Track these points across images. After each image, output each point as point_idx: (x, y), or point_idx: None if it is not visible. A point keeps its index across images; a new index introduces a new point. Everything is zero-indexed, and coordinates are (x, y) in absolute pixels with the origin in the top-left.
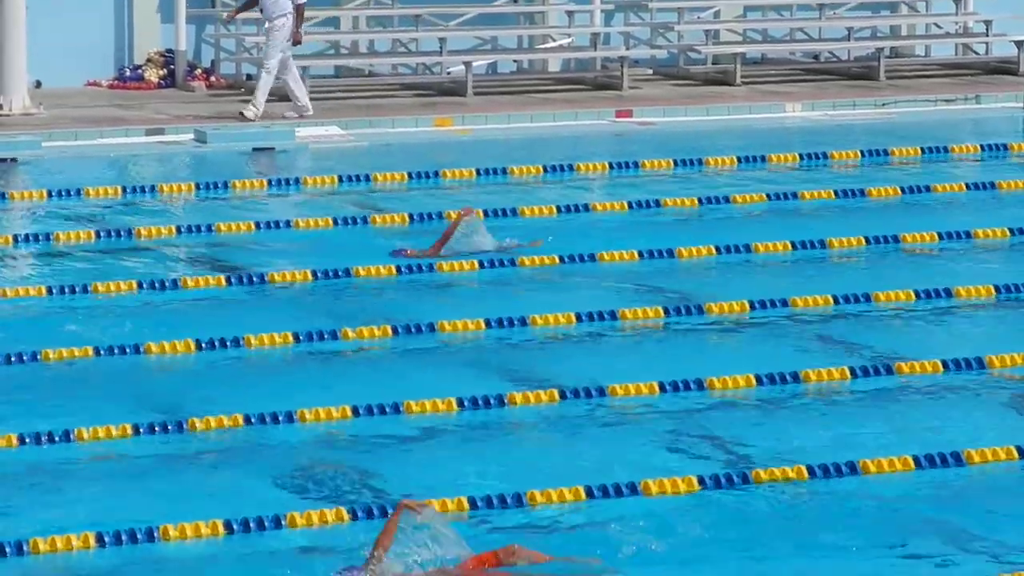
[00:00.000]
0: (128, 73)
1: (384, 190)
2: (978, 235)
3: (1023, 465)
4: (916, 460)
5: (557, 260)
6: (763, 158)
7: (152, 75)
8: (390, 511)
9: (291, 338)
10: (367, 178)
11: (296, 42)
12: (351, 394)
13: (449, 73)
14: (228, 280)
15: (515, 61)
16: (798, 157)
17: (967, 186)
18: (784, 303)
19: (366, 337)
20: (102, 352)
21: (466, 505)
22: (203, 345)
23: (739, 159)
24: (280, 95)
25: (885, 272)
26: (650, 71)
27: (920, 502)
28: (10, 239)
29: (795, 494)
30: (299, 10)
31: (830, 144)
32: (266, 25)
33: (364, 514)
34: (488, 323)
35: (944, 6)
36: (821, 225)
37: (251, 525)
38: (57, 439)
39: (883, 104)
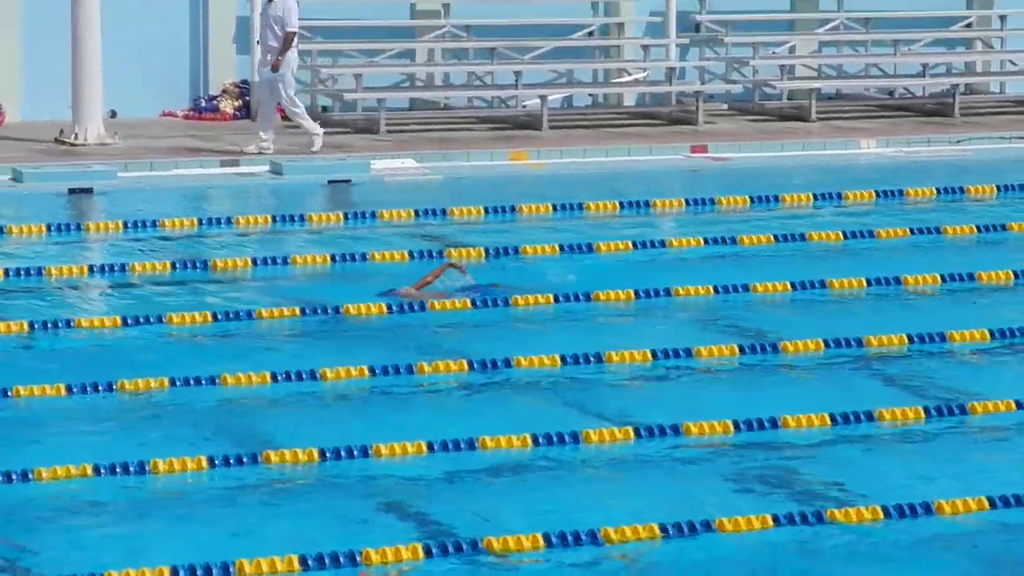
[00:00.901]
0: (203, 104)
1: (459, 224)
2: None
3: None
4: (991, 501)
5: (633, 295)
6: (838, 195)
7: (227, 106)
8: (465, 546)
9: (366, 372)
10: (442, 212)
11: (273, 68)
12: (426, 429)
13: (524, 107)
14: (303, 312)
15: (590, 95)
16: (873, 194)
17: None
18: (859, 341)
19: (441, 371)
20: (178, 383)
21: (541, 542)
22: (278, 377)
23: (814, 196)
24: (291, 126)
25: (960, 310)
26: (725, 106)
27: (995, 543)
28: (86, 269)
29: (869, 534)
30: (287, 37)
31: (905, 181)
32: (268, 59)
33: (439, 550)
34: (563, 359)
35: (1020, 43)
36: (896, 262)
37: (326, 560)
38: (132, 470)
39: (958, 141)
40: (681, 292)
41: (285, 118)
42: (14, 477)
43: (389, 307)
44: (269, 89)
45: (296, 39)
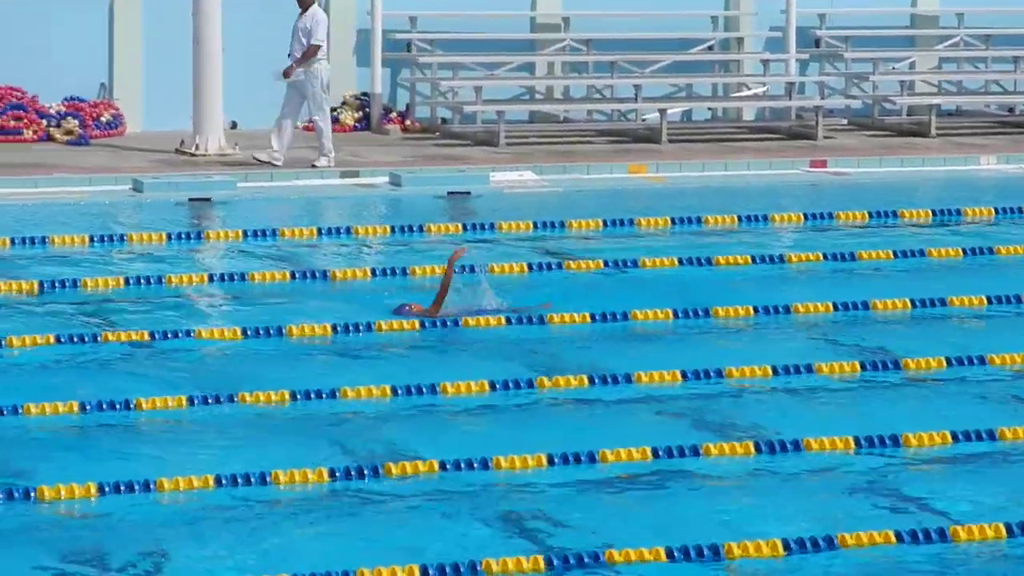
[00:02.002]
0: None
1: (578, 237)
2: None
3: None
4: None
5: (752, 311)
6: (958, 211)
7: (347, 118)
8: (587, 559)
9: (486, 386)
10: (561, 224)
11: (286, 75)
12: (546, 442)
13: (644, 120)
14: (422, 324)
15: (710, 109)
16: (993, 211)
17: None
18: (981, 359)
19: (561, 386)
20: (298, 396)
21: (663, 555)
22: (398, 391)
23: (934, 212)
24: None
25: None
26: (845, 121)
27: None
28: (206, 278)
29: (993, 552)
30: (309, 49)
31: None
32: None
33: (560, 562)
34: (684, 374)
35: None
36: (1016, 279)
37: (447, 571)
38: (254, 481)
39: None
40: (801, 308)
41: (308, 128)
42: (136, 487)
43: (508, 320)
44: (296, 98)
45: (321, 52)
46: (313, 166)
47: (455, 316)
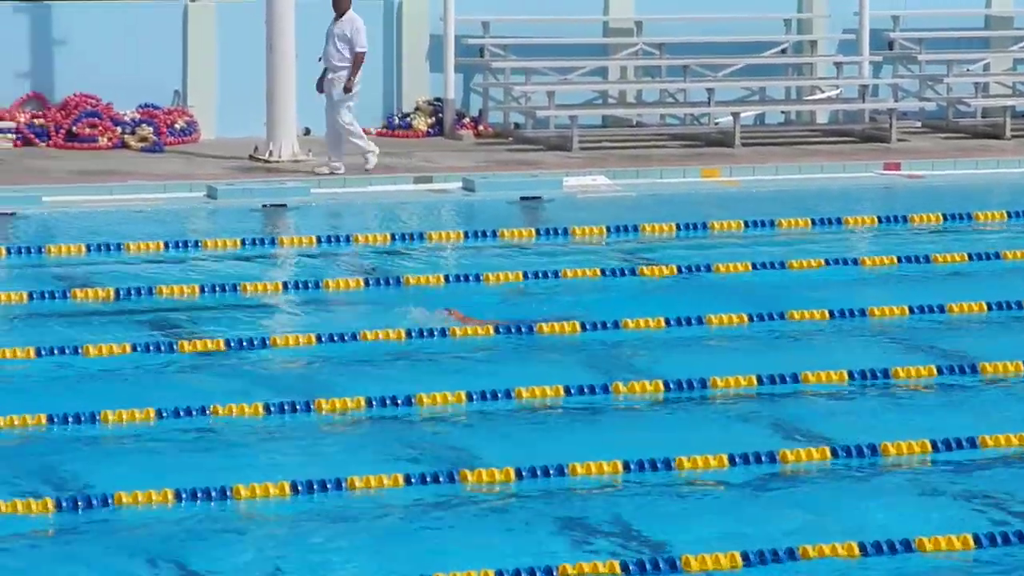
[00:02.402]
0: (397, 121)
1: (652, 241)
2: None
3: None
4: None
5: (827, 315)
6: None
7: (420, 123)
8: (663, 564)
9: (562, 391)
10: (635, 229)
11: (346, 90)
12: (622, 448)
13: (717, 124)
14: (496, 330)
15: (783, 112)
16: None
17: None
18: None
19: (636, 391)
20: (373, 403)
21: (739, 561)
22: (473, 396)
23: (1009, 214)
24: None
25: None
26: (918, 123)
27: None
28: (280, 285)
29: None
30: (356, 58)
31: None
32: (330, 76)
33: (636, 567)
34: (759, 379)
35: None
36: None
37: None
38: (329, 488)
39: None
40: (876, 312)
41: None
42: (213, 494)
43: (583, 325)
44: (334, 108)
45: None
46: (366, 171)
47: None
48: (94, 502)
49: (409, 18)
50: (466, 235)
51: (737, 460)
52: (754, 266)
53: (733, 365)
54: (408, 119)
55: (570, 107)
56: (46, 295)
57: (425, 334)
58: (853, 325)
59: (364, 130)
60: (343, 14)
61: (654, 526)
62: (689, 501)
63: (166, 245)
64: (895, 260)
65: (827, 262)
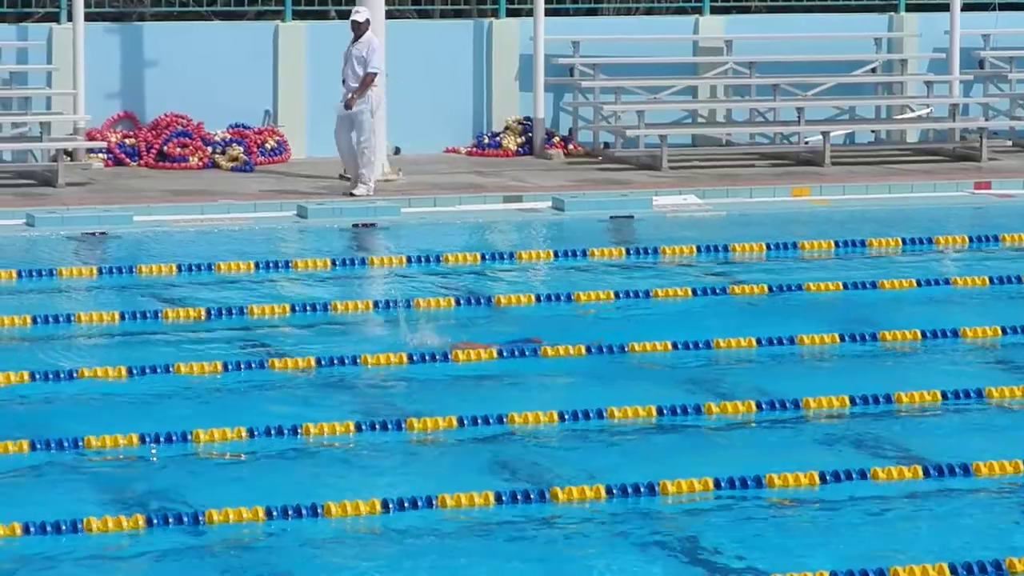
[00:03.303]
0: (486, 140)
1: (742, 260)
2: None
3: None
4: None
5: (919, 335)
6: None
7: (510, 142)
8: None
9: (654, 411)
10: (725, 248)
11: (347, 106)
12: (713, 467)
13: (807, 143)
14: (588, 350)
15: (873, 131)
16: None
17: None
18: None
19: (728, 411)
20: (465, 421)
21: None
22: (565, 416)
23: None
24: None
25: None
26: (1009, 142)
27: None
28: (370, 304)
29: None
30: (366, 78)
31: None
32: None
33: None
34: (851, 399)
35: None
36: None
37: None
38: (420, 505)
39: None
40: (969, 332)
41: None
42: (304, 512)
43: (674, 344)
44: (349, 127)
45: (377, 79)
46: (351, 195)
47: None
48: (185, 519)
49: (499, 38)
50: (556, 254)
51: (828, 478)
52: (846, 286)
53: (825, 385)
54: (498, 138)
55: (660, 126)
56: (138, 315)
57: (516, 354)
58: (945, 345)
59: (454, 149)
60: (361, 36)
61: (745, 545)
62: (780, 520)
63: (256, 265)
64: (987, 280)
65: (918, 282)
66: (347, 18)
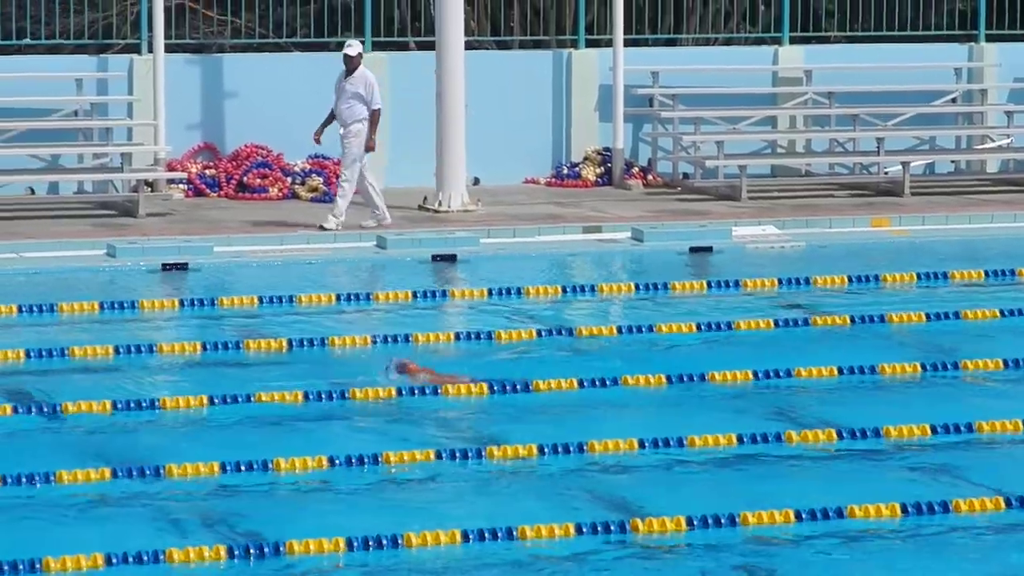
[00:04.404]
0: (566, 171)
1: (824, 292)
2: None
3: None
4: None
5: (1002, 364)
6: None
7: (589, 173)
8: None
9: (734, 439)
10: (806, 280)
11: (368, 149)
12: (793, 497)
13: (886, 173)
14: (669, 380)
15: (953, 162)
16: None
17: None
18: None
19: (809, 440)
20: (546, 450)
21: None
22: (645, 444)
23: None
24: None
25: None
26: None
27: None
28: (452, 336)
29: None
30: (373, 117)
31: None
32: (341, 131)
33: None
34: (933, 428)
35: None
36: None
37: None
38: (500, 536)
39: None
40: None
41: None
42: (384, 542)
43: (755, 373)
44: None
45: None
46: (321, 227)
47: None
48: (266, 550)
49: (579, 69)
50: (636, 287)
51: (910, 510)
52: (928, 316)
53: (907, 414)
54: (577, 169)
55: (739, 156)
56: (219, 346)
57: (597, 383)
58: None
59: (533, 180)
60: (353, 71)
61: None
62: (861, 551)
63: (337, 297)
64: None
65: (1001, 313)
66: (427, 49)
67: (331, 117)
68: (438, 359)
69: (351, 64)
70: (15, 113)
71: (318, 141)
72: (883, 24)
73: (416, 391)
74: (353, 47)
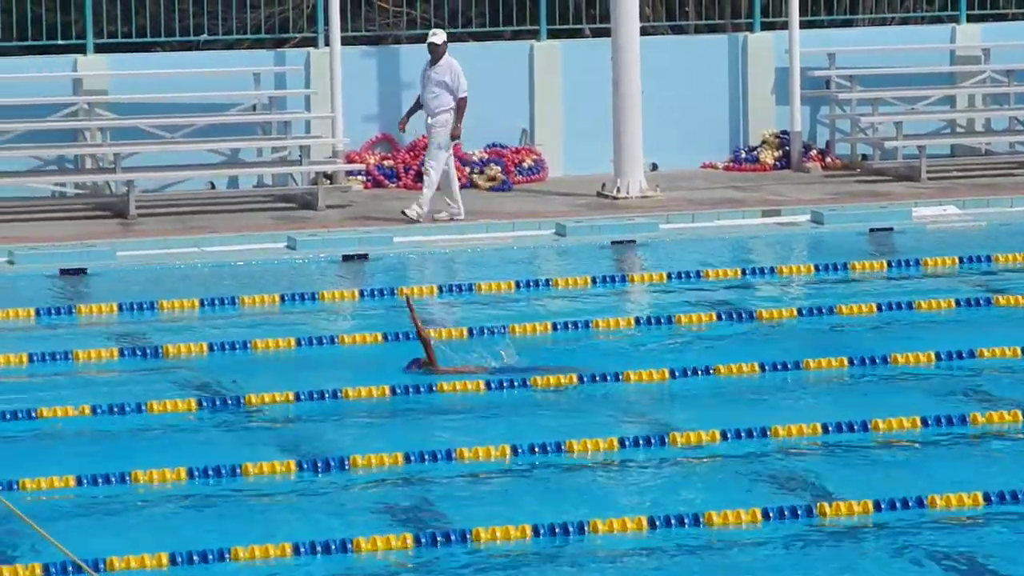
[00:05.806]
0: (743, 155)
1: (1006, 271)
2: None
3: None
4: None
5: None
6: None
7: (767, 156)
8: None
9: (919, 422)
10: (988, 259)
11: (454, 137)
12: (982, 480)
13: None
14: (851, 361)
15: None
16: None
17: None
18: None
19: (995, 422)
20: (729, 435)
21: None
22: (829, 428)
23: None
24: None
25: None
26: None
27: None
28: (632, 321)
29: None
30: (460, 105)
31: None
32: (428, 121)
33: None
34: None
35: None
36: None
37: None
38: (687, 523)
39: None
40: None
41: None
42: (570, 529)
43: (938, 355)
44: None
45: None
46: (403, 213)
47: (461, 372)
48: (452, 538)
49: (755, 52)
50: (817, 268)
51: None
52: None
53: None
54: (755, 152)
55: (918, 137)
56: (400, 336)
57: (779, 367)
58: None
59: (711, 164)
60: (439, 59)
61: (1017, 561)
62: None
63: (517, 284)
64: None
65: None
66: (603, 36)
67: (416, 105)
68: (619, 344)
69: (436, 53)
70: (196, 108)
71: (403, 129)
72: None
73: (585, 379)
74: (438, 35)
